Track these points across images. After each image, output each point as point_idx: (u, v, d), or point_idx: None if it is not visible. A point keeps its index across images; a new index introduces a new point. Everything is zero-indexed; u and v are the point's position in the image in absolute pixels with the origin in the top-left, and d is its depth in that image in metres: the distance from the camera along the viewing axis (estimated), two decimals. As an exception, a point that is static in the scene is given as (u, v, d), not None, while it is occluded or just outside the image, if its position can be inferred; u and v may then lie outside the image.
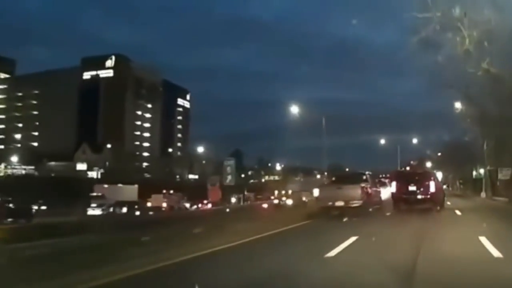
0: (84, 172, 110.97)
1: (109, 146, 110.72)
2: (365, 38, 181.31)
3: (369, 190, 18.40)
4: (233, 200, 69.08)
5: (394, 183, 22.28)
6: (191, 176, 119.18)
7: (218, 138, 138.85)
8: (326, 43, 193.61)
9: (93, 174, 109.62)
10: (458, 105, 35.75)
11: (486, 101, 30.47)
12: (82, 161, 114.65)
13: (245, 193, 75.22)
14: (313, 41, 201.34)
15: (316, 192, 18.65)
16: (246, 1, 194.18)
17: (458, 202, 30.12)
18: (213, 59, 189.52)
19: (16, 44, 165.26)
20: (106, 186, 58.33)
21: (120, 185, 59.56)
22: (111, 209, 49.11)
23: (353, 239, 10.14)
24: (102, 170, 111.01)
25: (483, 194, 38.92)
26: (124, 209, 49.20)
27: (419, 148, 69.05)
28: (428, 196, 20.72)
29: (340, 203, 17.14)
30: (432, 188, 20.98)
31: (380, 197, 21.49)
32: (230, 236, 11.38)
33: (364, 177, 19.59)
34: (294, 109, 37.03)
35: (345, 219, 16.03)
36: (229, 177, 52.62)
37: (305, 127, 45.57)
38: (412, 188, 21.02)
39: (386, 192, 31.32)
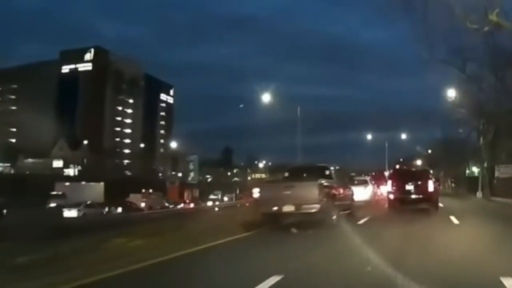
0: (60, 170, 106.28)
1: (86, 142, 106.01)
2: (356, 36, 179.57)
3: (334, 190, 13.51)
4: (226, 198, 66.33)
5: (390, 182, 21.41)
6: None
7: (210, 136, 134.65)
8: (318, 40, 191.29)
9: (69, 171, 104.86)
10: (451, 93, 31.51)
11: (487, 81, 26.42)
12: (59, 158, 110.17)
13: (237, 192, 71.46)
14: (305, 38, 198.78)
15: (255, 192, 13.48)
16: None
17: (452, 204, 25.60)
18: (205, 55, 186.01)
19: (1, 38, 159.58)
20: (67, 184, 53.41)
21: (83, 182, 54.65)
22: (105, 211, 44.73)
23: (269, 283, 5.53)
24: (79, 167, 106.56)
25: (479, 194, 34.35)
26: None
27: (409, 146, 67.64)
28: (426, 196, 19.75)
29: (288, 208, 11.99)
30: (431, 187, 20.01)
31: (352, 199, 16.37)
32: (96, 263, 6.90)
33: (327, 172, 14.34)
34: (266, 97, 32.67)
35: (294, 231, 11.37)
36: (192, 174, 47.94)
37: (296, 124, 41.44)
38: (409, 187, 20.00)
39: (366, 192, 27.01)
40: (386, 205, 21.22)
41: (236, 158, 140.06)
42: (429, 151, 66.93)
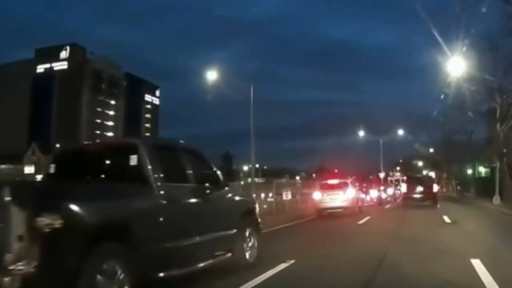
0: (32, 175, 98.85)
1: (58, 146, 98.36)
2: (351, 40, 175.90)
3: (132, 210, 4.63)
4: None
5: (404, 185, 29.90)
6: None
7: (209, 140, 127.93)
8: (314, 44, 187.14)
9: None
10: (460, 63, 23.41)
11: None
12: (31, 163, 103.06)
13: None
14: (300, 42, 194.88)
15: None
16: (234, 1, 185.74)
17: (464, 218, 17.13)
18: (201, 58, 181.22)
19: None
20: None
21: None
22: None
23: None
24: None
25: (496, 200, 25.84)
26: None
27: (409, 147, 65.99)
28: (431, 195, 26.78)
29: None
30: (435, 189, 28.09)
31: (251, 224, 6.68)
32: None
33: (134, 161, 5.10)
34: (212, 75, 24.90)
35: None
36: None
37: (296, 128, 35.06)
38: (419, 188, 27.20)
39: (346, 197, 20.69)
40: (366, 219, 18.55)
41: (238, 163, 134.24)
42: (431, 149, 59.26)
